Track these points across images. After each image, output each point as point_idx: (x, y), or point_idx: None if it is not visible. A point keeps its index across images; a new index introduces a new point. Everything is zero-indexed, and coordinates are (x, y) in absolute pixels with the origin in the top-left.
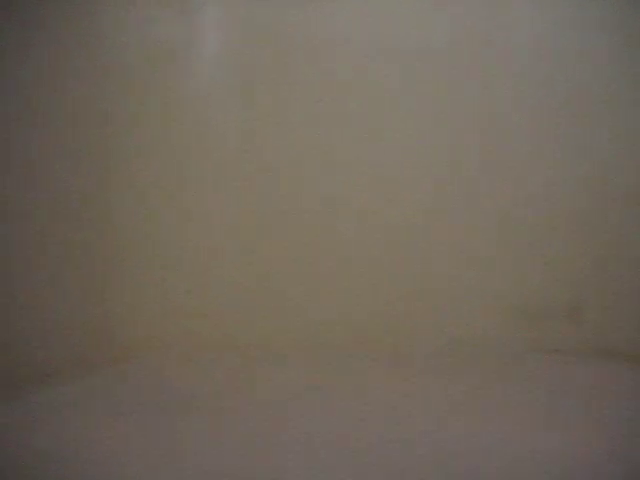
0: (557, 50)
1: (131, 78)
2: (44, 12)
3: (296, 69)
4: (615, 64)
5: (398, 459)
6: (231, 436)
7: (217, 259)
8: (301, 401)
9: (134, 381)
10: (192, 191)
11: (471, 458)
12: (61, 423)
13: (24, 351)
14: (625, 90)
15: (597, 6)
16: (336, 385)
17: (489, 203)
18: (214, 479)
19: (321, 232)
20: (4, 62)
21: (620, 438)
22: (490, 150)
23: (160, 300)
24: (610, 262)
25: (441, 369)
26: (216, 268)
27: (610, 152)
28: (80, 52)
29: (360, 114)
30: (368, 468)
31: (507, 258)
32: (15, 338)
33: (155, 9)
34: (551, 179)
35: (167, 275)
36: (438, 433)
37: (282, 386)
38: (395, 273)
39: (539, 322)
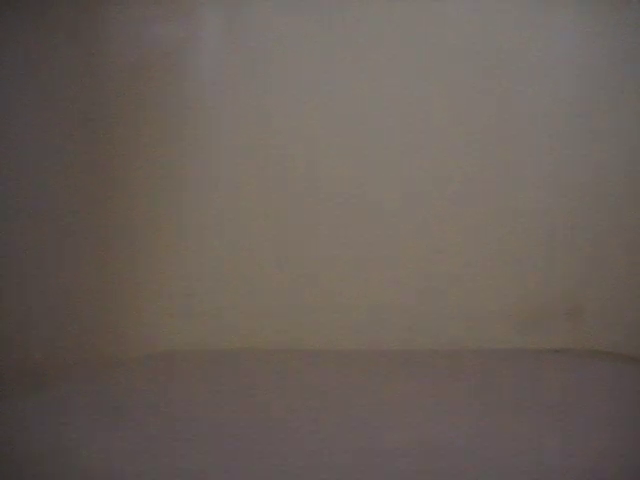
0: (558, 53)
1: (131, 78)
2: (43, 11)
3: (296, 68)
4: (616, 67)
5: (397, 459)
6: (231, 439)
7: (217, 261)
8: (302, 402)
9: (132, 384)
10: (192, 192)
11: (471, 458)
12: (58, 424)
13: (20, 352)
14: (625, 93)
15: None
16: (336, 386)
17: (489, 203)
18: None
19: (322, 235)
20: (3, 63)
21: (620, 438)
22: (489, 151)
23: (160, 303)
24: (610, 262)
25: (441, 369)
26: (216, 271)
27: (610, 153)
28: (80, 52)
29: (369, 112)
30: (368, 468)
31: (507, 258)
32: (12, 339)
33: (155, 9)
34: (551, 180)
35: (167, 278)
36: (438, 433)
37: (283, 388)
38: (395, 273)
39: (539, 322)
